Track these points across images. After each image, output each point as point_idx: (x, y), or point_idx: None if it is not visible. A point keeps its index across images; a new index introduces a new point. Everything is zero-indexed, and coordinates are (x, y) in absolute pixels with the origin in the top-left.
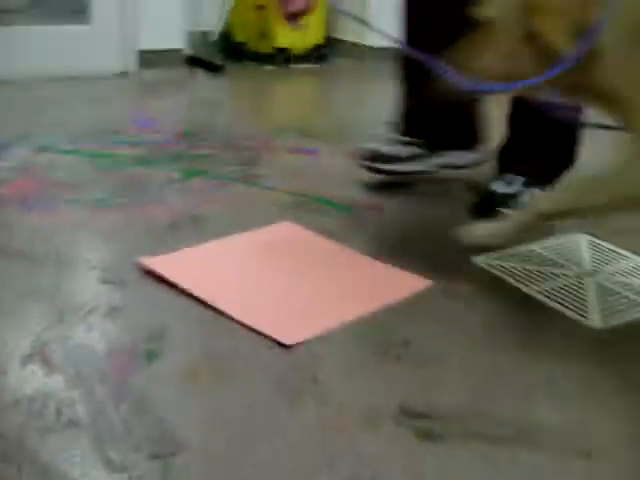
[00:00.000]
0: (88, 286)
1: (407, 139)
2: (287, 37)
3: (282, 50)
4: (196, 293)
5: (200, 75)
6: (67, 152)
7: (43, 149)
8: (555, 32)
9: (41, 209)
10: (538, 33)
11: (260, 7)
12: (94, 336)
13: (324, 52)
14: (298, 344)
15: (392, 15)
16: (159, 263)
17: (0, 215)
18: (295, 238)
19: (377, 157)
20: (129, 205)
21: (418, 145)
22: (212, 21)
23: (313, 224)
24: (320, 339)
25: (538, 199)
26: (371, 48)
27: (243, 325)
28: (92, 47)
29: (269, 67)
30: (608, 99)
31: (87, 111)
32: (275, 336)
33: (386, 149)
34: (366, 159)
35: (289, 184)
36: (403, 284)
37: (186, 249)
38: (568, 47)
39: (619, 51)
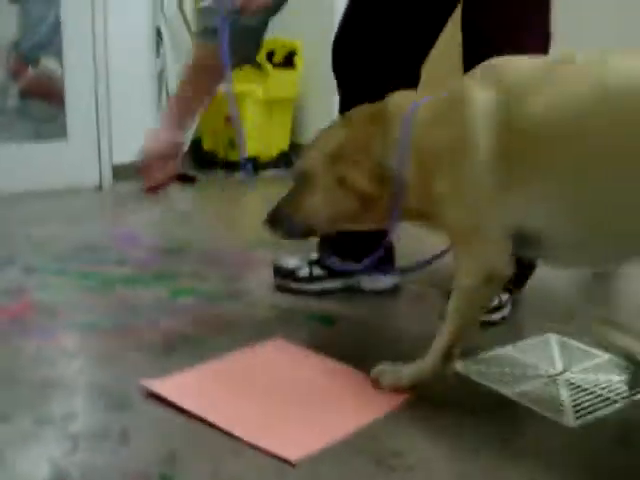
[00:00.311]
0: (97, 411)
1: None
2: (255, 146)
3: (250, 159)
4: (199, 414)
5: (173, 186)
6: (55, 273)
7: (31, 270)
8: (358, 177)
9: (39, 334)
10: (345, 179)
11: (229, 118)
12: (110, 461)
13: (290, 158)
14: (302, 460)
15: None
16: (161, 385)
17: (1, 341)
18: (289, 355)
19: (283, 273)
20: (122, 328)
21: (322, 266)
22: None
23: (301, 338)
24: (321, 453)
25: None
26: None
27: (248, 444)
28: (69, 162)
29: (238, 175)
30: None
31: (69, 228)
32: (279, 453)
33: (290, 264)
34: (276, 275)
35: (272, 299)
36: (390, 395)
37: (185, 371)
38: (374, 188)
39: (418, 181)
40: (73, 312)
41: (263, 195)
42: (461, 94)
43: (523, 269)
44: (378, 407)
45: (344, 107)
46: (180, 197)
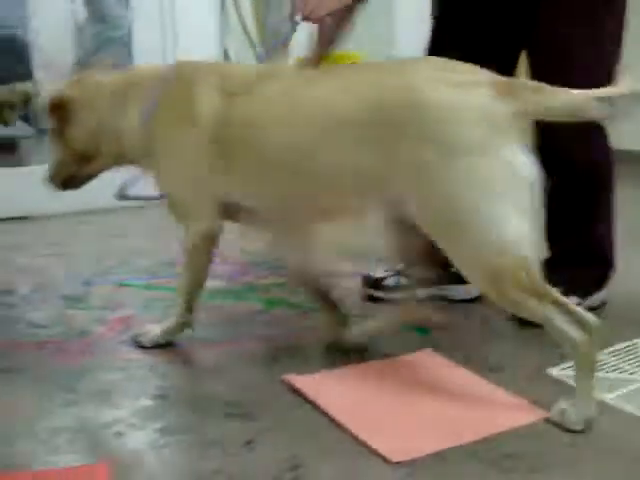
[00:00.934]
0: (218, 420)
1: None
2: None
3: None
4: (330, 412)
5: None
6: (146, 287)
7: (124, 285)
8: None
9: (146, 348)
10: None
11: None
12: (240, 467)
13: None
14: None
15: None
16: (301, 381)
17: (111, 355)
18: (432, 365)
19: (370, 283)
20: (228, 339)
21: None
22: None
23: (397, 347)
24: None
25: None
26: None
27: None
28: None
29: None
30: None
31: (151, 243)
32: (383, 452)
33: (377, 274)
34: (364, 285)
35: (363, 308)
36: (520, 413)
37: (324, 371)
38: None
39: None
40: None
41: None
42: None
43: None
44: (505, 421)
45: None
46: None
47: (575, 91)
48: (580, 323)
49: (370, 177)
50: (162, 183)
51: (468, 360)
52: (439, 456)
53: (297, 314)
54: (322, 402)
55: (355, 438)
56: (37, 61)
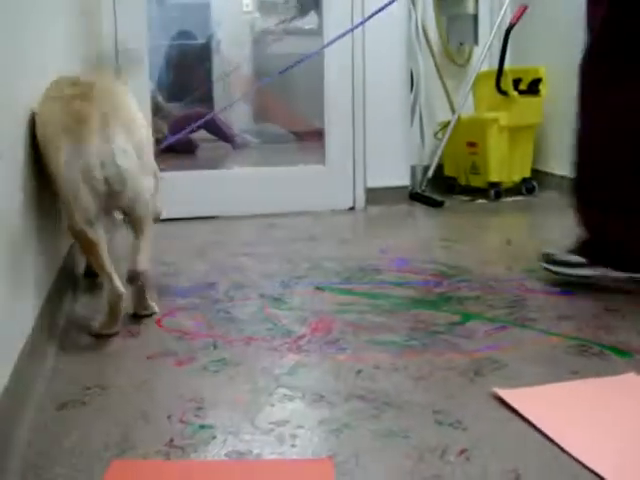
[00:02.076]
0: (430, 428)
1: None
2: (498, 172)
3: (494, 184)
4: (543, 428)
5: (419, 210)
6: (342, 292)
7: (319, 288)
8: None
9: (346, 350)
10: None
11: (471, 144)
12: (455, 476)
13: (532, 185)
14: None
15: None
16: (511, 395)
17: (309, 354)
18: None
19: (553, 260)
20: (427, 348)
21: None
22: (428, 157)
23: (594, 371)
24: None
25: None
26: None
27: (586, 468)
28: (327, 186)
29: (481, 201)
30: None
31: (337, 248)
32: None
33: (560, 255)
34: (545, 261)
35: (558, 327)
36: None
37: (537, 387)
38: None
39: None
40: (376, 331)
41: (505, 220)
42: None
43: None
44: None
45: None
46: (429, 222)
47: None
48: None
49: None
50: None
51: None
52: None
53: (494, 328)
54: (534, 418)
55: (575, 459)
56: None
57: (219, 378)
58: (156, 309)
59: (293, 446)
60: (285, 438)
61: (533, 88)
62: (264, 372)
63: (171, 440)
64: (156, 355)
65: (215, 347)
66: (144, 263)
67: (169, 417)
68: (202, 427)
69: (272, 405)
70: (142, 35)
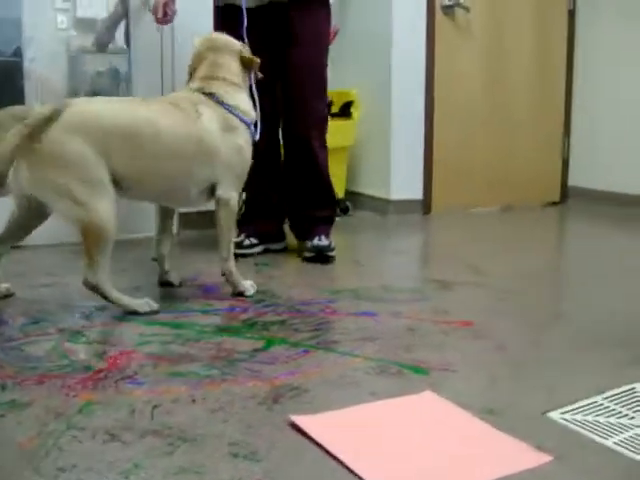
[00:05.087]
0: (227, 462)
1: None
2: None
3: None
4: (337, 454)
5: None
6: (146, 323)
7: (121, 320)
8: None
9: (143, 385)
10: None
11: None
12: None
13: (346, 205)
14: None
15: None
16: (305, 421)
17: (104, 391)
18: (434, 408)
19: None
20: (227, 377)
21: None
22: None
23: (398, 390)
24: None
25: None
26: (390, 201)
27: None
28: None
29: None
30: None
31: (146, 279)
32: None
33: None
34: None
35: (364, 349)
36: (523, 457)
37: (334, 411)
38: None
39: None
40: (177, 362)
41: None
42: None
43: None
44: (509, 466)
45: None
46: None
47: None
48: None
49: None
50: None
51: (466, 404)
52: None
53: (297, 353)
54: (327, 444)
55: None
56: None
57: (5, 423)
58: None
59: None
60: None
61: (345, 111)
62: (54, 413)
63: None
64: None
65: (4, 389)
66: None
67: None
68: None
69: (60, 449)
70: None
